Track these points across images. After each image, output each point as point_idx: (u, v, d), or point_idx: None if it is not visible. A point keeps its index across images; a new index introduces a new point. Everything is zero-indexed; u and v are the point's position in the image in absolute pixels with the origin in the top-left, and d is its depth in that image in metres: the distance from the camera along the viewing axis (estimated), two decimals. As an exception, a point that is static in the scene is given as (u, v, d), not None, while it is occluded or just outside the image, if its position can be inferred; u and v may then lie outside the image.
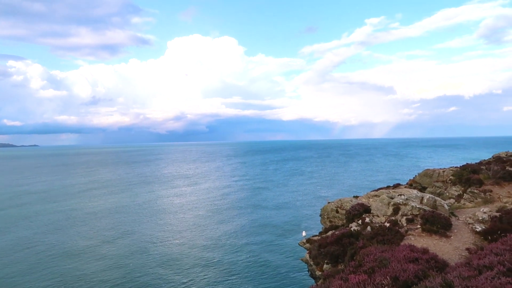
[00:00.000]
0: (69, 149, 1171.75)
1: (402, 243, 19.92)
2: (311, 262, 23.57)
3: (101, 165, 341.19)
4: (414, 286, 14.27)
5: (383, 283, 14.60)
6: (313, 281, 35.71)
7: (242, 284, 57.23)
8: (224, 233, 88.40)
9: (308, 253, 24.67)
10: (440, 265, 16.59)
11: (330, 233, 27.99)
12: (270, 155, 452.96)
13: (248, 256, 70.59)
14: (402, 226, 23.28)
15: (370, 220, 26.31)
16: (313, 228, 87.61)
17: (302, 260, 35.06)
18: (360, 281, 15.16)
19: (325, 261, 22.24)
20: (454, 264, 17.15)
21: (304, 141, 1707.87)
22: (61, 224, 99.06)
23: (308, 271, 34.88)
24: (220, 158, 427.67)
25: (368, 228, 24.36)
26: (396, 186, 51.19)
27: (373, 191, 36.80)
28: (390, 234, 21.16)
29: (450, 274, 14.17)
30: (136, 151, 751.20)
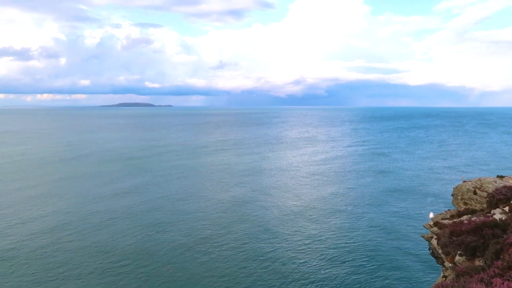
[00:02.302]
0: (198, 110, 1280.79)
1: None
2: (439, 251, 20.56)
3: (227, 126, 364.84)
4: None
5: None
6: (434, 260, 32.12)
7: (356, 250, 55.50)
8: (345, 198, 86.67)
9: (435, 238, 21.60)
10: None
11: (464, 218, 24.11)
12: (393, 122, 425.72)
13: (367, 223, 68.06)
14: None
15: (521, 208, 21.78)
16: (439, 204, 79.89)
17: (423, 236, 31.62)
18: (509, 288, 12.23)
19: (458, 252, 19.05)
20: None
21: (433, 108, 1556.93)
22: (189, 177, 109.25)
23: (429, 249, 31.35)
24: (340, 123, 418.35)
25: (519, 218, 20.12)
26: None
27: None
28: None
29: None
30: (258, 114, 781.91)
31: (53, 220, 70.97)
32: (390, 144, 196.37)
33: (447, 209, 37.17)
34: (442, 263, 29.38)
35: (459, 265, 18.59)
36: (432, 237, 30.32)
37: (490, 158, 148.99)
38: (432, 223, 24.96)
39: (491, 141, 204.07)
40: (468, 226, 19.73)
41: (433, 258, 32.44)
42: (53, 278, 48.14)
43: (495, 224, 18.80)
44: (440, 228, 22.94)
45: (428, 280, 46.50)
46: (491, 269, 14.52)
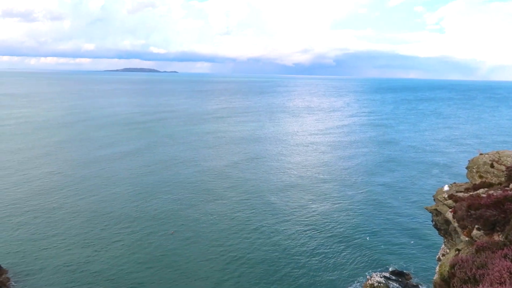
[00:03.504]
0: (204, 77, 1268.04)
1: None
2: (455, 224, 19.64)
3: (233, 94, 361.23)
4: None
5: None
6: (436, 231, 31.41)
7: (357, 217, 55.25)
8: (350, 168, 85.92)
9: (451, 211, 20.64)
10: None
11: (481, 191, 23.04)
12: (401, 93, 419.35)
13: (369, 194, 67.54)
14: None
15: (543, 183, 20.65)
16: (443, 176, 79.05)
17: (426, 208, 30.84)
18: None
19: (476, 226, 18.10)
20: None
21: (441, 81, 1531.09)
22: (193, 144, 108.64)
23: (432, 221, 30.63)
24: (348, 93, 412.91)
25: (541, 193, 19.00)
26: None
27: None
28: None
29: None
30: (264, 82, 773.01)
31: (56, 181, 71.10)
32: (398, 115, 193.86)
33: (453, 181, 36.23)
34: (445, 235, 28.68)
35: (476, 239, 17.69)
36: (436, 209, 29.53)
37: (498, 130, 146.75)
38: (446, 196, 23.93)
39: (500, 116, 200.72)
40: (488, 200, 18.68)
41: (436, 229, 31.85)
42: (55, 236, 48.43)
43: (518, 199, 17.72)
44: (455, 201, 21.95)
45: (430, 251, 46.25)
46: (516, 246, 13.55)
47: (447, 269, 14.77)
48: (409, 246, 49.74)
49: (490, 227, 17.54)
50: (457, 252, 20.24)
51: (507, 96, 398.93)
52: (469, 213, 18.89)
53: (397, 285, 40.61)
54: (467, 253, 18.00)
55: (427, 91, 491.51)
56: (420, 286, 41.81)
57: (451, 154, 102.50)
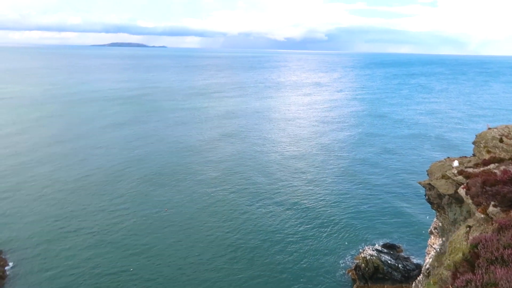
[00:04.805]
0: (194, 52, 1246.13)
1: None
2: (469, 201, 19.01)
3: (222, 70, 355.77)
4: None
5: None
6: (429, 205, 31.23)
7: (349, 193, 55.20)
8: (341, 142, 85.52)
9: (464, 188, 20.00)
10: None
11: (492, 167, 22.40)
12: (393, 68, 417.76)
13: (361, 170, 67.36)
14: None
15: (557, 158, 20.04)
16: (436, 150, 79.07)
17: (420, 183, 30.50)
18: None
19: (492, 203, 17.45)
20: None
21: (432, 56, 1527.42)
22: (183, 120, 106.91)
23: (425, 195, 30.34)
24: (340, 69, 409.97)
25: (557, 168, 18.43)
26: None
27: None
28: None
29: None
30: (255, 57, 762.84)
31: (34, 157, 69.55)
32: (389, 90, 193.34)
33: (446, 156, 35.92)
34: (438, 209, 28.37)
35: (493, 216, 17.10)
36: (429, 184, 29.07)
37: (489, 104, 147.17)
38: (456, 172, 23.28)
39: (492, 91, 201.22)
40: (505, 176, 18.00)
41: (429, 203, 31.70)
42: (33, 211, 47.48)
43: (537, 175, 17.09)
44: (467, 177, 21.29)
45: (421, 224, 46.34)
46: (545, 224, 12.89)
47: (469, 248, 14.14)
48: (401, 220, 50.00)
49: (507, 204, 16.93)
50: (468, 228, 19.73)
51: (497, 71, 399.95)
52: (484, 190, 18.25)
53: (389, 258, 41.42)
54: (481, 230, 17.47)
55: (418, 66, 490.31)
56: (410, 258, 42.64)
57: (443, 129, 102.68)
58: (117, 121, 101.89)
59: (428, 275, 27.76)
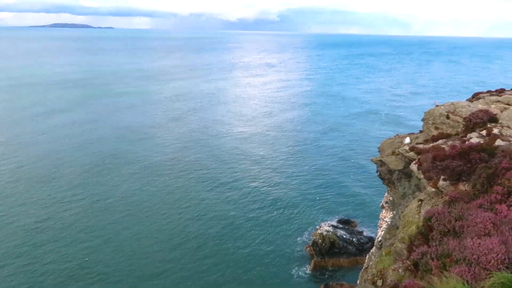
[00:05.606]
0: (144, 33, 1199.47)
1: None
2: (421, 176, 19.77)
3: (174, 51, 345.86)
4: None
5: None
6: (381, 181, 32.63)
7: (305, 173, 56.43)
8: (295, 121, 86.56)
9: (416, 163, 20.82)
10: None
11: (440, 142, 23.42)
12: (343, 49, 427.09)
13: (315, 149, 68.82)
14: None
15: (499, 132, 21.20)
16: (386, 127, 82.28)
17: (372, 160, 31.70)
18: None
19: (442, 177, 18.23)
20: None
21: (380, 36, 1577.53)
22: (133, 104, 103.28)
23: (376, 171, 31.58)
24: (292, 49, 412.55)
25: (499, 142, 19.50)
26: (501, 91, 42.92)
27: (490, 95, 30.61)
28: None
29: None
30: (206, 39, 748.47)
31: None
32: (340, 70, 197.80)
33: (395, 133, 37.43)
34: (388, 184, 29.68)
35: (443, 189, 17.88)
36: (380, 160, 30.25)
37: (433, 82, 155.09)
38: (407, 148, 24.13)
39: (433, 70, 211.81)
40: (453, 150, 18.81)
41: (380, 179, 33.07)
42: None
43: (482, 149, 17.97)
44: (418, 153, 22.11)
45: (373, 199, 48.37)
46: (492, 195, 13.55)
47: (422, 221, 14.64)
48: (355, 196, 51.87)
49: (456, 178, 17.73)
50: (419, 202, 20.59)
51: (440, 51, 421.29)
52: (434, 164, 18.99)
53: (344, 232, 43.23)
54: (432, 204, 18.26)
55: (367, 47, 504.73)
56: (364, 232, 44.71)
57: (391, 107, 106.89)
58: (62, 107, 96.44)
59: (380, 247, 28.97)
